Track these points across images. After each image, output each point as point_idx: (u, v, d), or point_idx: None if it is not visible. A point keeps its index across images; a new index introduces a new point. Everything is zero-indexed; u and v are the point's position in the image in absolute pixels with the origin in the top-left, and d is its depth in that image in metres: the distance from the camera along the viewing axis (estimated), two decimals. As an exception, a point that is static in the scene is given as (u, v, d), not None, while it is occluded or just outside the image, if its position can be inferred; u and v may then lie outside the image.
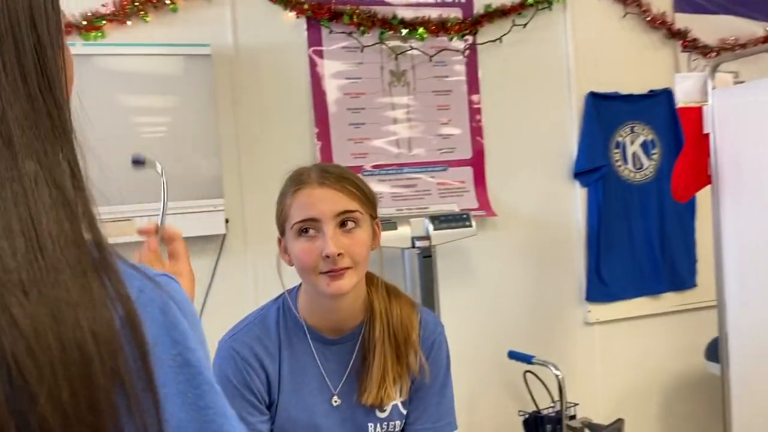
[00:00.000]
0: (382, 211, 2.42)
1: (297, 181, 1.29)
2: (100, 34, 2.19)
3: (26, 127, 0.49)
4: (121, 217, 2.17)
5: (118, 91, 2.14)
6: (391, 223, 2.25)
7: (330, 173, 1.28)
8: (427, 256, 2.24)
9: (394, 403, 1.38)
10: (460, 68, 2.57)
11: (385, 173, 2.47)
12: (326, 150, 2.40)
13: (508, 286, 2.61)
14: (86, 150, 0.53)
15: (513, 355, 2.40)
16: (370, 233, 1.32)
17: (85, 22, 2.16)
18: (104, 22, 2.18)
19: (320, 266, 1.25)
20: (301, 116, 2.39)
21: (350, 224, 1.27)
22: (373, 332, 1.35)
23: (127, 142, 2.15)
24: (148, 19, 2.22)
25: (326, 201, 1.25)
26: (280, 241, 1.33)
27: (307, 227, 1.25)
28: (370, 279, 1.39)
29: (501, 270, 2.60)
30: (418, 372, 1.37)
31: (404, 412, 1.39)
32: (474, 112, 2.58)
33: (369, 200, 1.32)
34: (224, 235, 2.27)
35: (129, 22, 2.20)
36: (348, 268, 1.25)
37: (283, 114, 2.37)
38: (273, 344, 1.33)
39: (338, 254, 1.23)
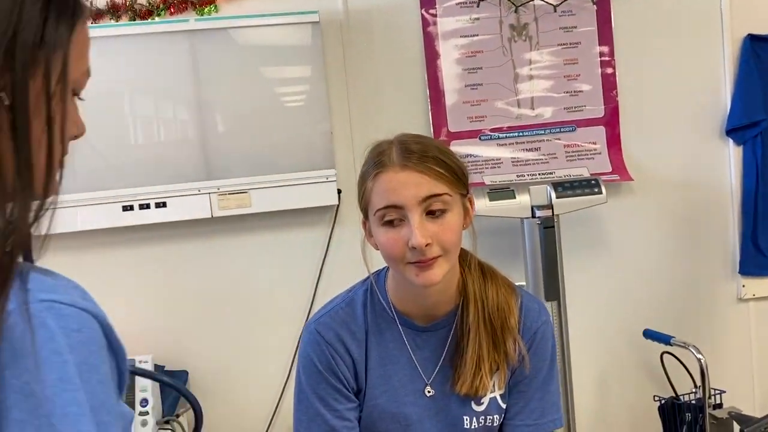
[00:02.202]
0: (501, 177, 2.27)
1: (377, 163, 1.19)
2: (213, 8, 2.21)
3: None
4: (237, 190, 2.21)
5: (228, 64, 2.15)
6: (508, 191, 2.09)
7: (412, 152, 1.16)
8: (549, 227, 2.06)
9: (492, 396, 1.27)
10: (590, 17, 2.32)
11: (505, 136, 2.30)
12: (440, 115, 2.27)
13: (644, 258, 2.36)
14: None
15: (649, 335, 2.17)
16: (462, 214, 1.20)
17: (198, -3, 2.18)
18: (216, -5, 2.19)
19: (407, 256, 1.15)
20: (414, 80, 2.28)
21: (438, 209, 1.15)
22: (467, 316, 1.24)
23: (236, 112, 2.18)
24: (258, -11, 2.20)
25: (410, 186, 1.14)
26: (364, 223, 1.25)
27: (391, 214, 1.16)
28: (464, 258, 1.27)
29: (637, 240, 2.35)
30: (516, 361, 1.25)
31: (503, 406, 1.28)
32: (606, 65, 2.33)
33: (459, 177, 1.20)
34: (337, 206, 2.24)
35: (239, -6, 2.20)
36: (438, 256, 1.15)
37: (396, 79, 2.27)
38: (359, 329, 1.27)
39: (426, 244, 1.13)
